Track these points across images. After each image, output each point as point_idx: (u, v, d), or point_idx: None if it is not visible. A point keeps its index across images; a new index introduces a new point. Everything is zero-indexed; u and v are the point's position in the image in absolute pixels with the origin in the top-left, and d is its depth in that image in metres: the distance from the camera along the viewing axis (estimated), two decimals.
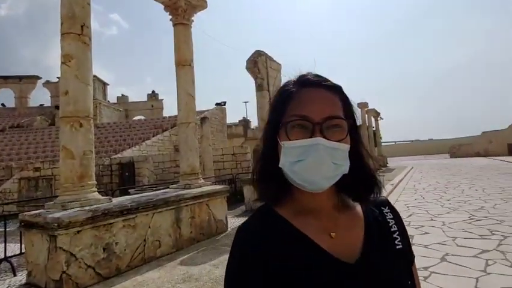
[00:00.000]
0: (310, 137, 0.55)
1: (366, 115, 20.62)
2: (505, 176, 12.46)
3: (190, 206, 5.09)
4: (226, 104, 20.96)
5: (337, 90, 0.60)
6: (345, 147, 0.57)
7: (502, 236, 4.62)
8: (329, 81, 0.61)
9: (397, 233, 0.64)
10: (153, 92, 35.73)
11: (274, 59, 8.75)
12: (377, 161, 0.70)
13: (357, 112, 0.64)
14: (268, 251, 0.56)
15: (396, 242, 0.62)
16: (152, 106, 34.65)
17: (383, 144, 29.55)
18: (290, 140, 0.56)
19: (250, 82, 8.67)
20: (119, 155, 14.99)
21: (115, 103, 34.30)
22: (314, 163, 0.54)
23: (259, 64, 8.02)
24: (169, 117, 22.95)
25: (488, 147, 31.54)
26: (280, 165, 0.58)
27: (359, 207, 0.65)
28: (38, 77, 32.75)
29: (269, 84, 8.26)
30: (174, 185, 5.85)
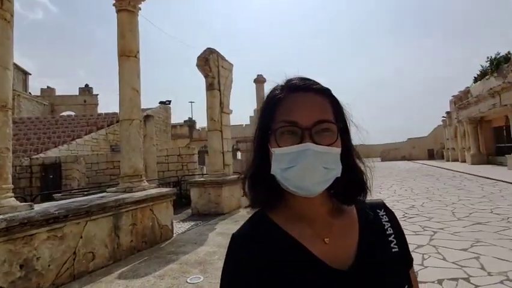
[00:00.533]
0: (300, 143, 0.54)
1: None
2: (427, 178, 14.18)
3: (131, 212, 4.58)
4: (171, 104, 20.00)
5: (326, 93, 0.59)
6: (336, 151, 0.56)
7: (432, 231, 5.12)
8: (318, 84, 0.60)
9: (393, 235, 0.62)
10: (86, 85, 32.36)
11: (226, 58, 8.56)
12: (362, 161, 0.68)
13: (349, 114, 0.62)
14: (263, 256, 0.56)
15: (392, 245, 0.61)
16: (85, 101, 31.40)
17: None
18: (280, 146, 0.55)
19: (197, 81, 8.32)
20: (42, 155, 13.19)
21: (38, 96, 30.27)
22: (304, 169, 0.53)
23: (210, 62, 7.73)
24: (106, 114, 21.15)
25: (412, 152, 35.99)
26: (272, 173, 0.57)
27: (353, 212, 0.64)
28: None
29: (220, 83, 8.03)
30: (113, 189, 5.23)
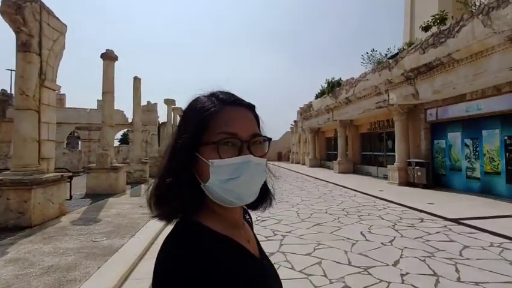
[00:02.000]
0: (239, 155, 0.55)
1: (173, 112, 20.23)
2: (275, 179, 15.50)
3: None
4: None
5: (252, 108, 0.63)
6: (265, 161, 0.60)
7: (282, 235, 5.07)
8: (244, 100, 0.62)
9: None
10: None
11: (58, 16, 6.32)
12: None
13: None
14: (213, 262, 0.53)
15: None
16: None
17: None
18: (221, 157, 0.55)
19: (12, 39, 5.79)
20: None
21: None
22: (247, 180, 0.55)
23: (26, 13, 5.42)
24: None
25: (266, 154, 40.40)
26: (208, 184, 0.56)
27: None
28: None
29: (42, 46, 5.79)
30: None
